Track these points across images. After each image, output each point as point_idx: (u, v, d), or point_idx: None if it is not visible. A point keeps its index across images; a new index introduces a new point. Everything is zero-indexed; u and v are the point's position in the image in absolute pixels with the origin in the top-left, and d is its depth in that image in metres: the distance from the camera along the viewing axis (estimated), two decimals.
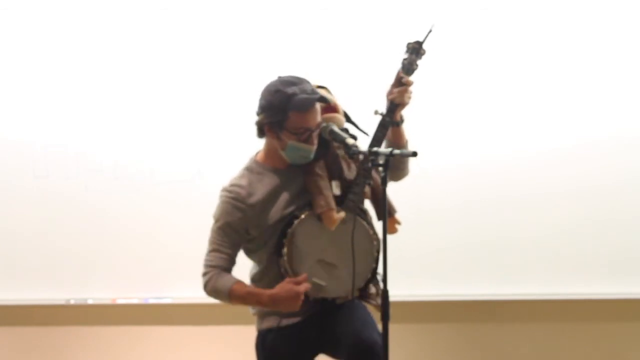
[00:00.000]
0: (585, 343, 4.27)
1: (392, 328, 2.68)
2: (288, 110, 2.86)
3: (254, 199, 2.93)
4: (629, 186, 4.09)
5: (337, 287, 2.93)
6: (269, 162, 3.00)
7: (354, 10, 4.10)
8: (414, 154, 2.76)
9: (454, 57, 4.05)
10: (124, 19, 4.13)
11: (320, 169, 2.95)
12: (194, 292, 3.98)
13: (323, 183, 2.92)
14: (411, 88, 2.94)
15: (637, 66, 4.11)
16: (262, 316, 3.04)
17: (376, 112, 2.94)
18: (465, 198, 4.09)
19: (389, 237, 2.73)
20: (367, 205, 3.03)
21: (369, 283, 2.98)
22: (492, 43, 4.10)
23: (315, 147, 2.92)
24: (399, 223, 3.00)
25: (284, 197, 2.95)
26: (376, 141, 2.91)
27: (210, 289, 2.93)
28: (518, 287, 4.11)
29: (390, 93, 2.94)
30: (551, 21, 4.10)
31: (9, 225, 4.13)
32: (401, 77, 2.93)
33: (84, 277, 4.13)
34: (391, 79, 2.96)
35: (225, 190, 2.97)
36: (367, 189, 2.97)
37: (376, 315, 2.79)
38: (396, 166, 3.01)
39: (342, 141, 2.87)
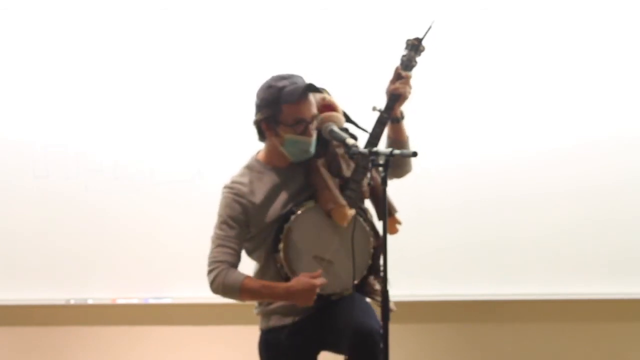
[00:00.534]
0: (585, 343, 4.27)
1: (392, 328, 2.68)
2: (280, 103, 2.88)
3: (254, 198, 2.94)
4: (629, 186, 4.09)
5: (335, 283, 2.93)
6: (270, 161, 3.01)
7: (354, 10, 4.10)
8: (414, 154, 2.76)
9: (454, 57, 4.05)
10: (124, 19, 4.13)
11: (323, 166, 2.95)
12: (194, 292, 4.02)
13: (329, 180, 2.93)
14: (411, 85, 2.95)
15: (637, 66, 4.11)
16: (264, 315, 3.05)
17: (374, 109, 2.95)
18: (465, 198, 4.09)
19: (389, 236, 2.73)
20: (368, 205, 3.03)
21: (365, 279, 2.98)
22: (492, 43, 4.10)
23: (313, 138, 2.92)
24: (399, 223, 3.00)
25: (283, 196, 2.96)
26: (374, 138, 2.92)
27: (219, 285, 2.90)
28: (518, 287, 4.11)
29: (389, 88, 2.95)
30: (551, 21, 4.10)
31: (9, 225, 4.13)
32: (400, 73, 2.94)
33: (84, 277, 4.13)
34: (390, 77, 2.97)
35: (226, 187, 2.98)
36: (367, 188, 2.97)
37: (379, 314, 2.78)
38: (398, 164, 3.02)
39: (342, 141, 2.87)
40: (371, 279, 2.99)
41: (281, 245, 2.91)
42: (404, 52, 2.97)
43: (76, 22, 4.13)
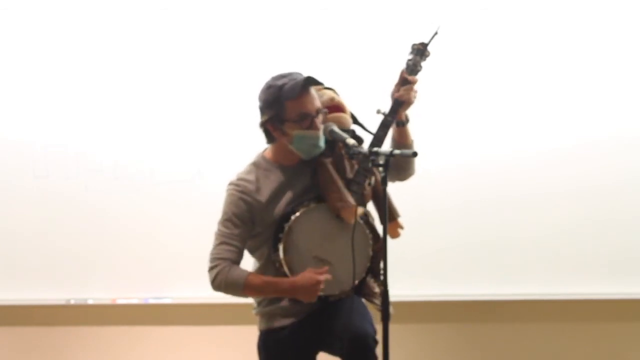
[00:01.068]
0: (585, 343, 4.27)
1: (392, 328, 2.68)
2: (282, 101, 2.87)
3: (260, 196, 2.93)
4: (629, 186, 4.09)
5: (333, 285, 2.92)
6: (277, 159, 3.00)
7: (354, 10, 4.10)
8: (414, 154, 2.76)
9: (455, 57, 4.04)
10: (124, 19, 4.13)
11: (332, 165, 2.94)
12: (194, 292, 4.02)
13: (338, 180, 2.92)
14: (416, 90, 2.95)
15: (637, 66, 4.11)
16: (264, 316, 3.04)
17: (378, 112, 2.95)
18: (465, 198, 4.09)
19: (389, 238, 2.73)
20: (370, 208, 3.02)
21: (364, 281, 2.98)
22: (492, 43, 4.10)
23: (321, 132, 2.90)
24: (401, 227, 3.00)
25: (289, 194, 2.95)
26: (377, 140, 2.91)
27: (221, 282, 2.89)
28: (518, 287, 4.11)
29: (395, 92, 2.95)
30: (551, 21, 4.10)
31: (9, 225, 4.13)
32: (405, 77, 2.94)
33: (84, 277, 4.13)
34: (393, 79, 2.97)
35: (232, 183, 2.97)
36: (369, 191, 2.97)
37: (376, 317, 2.78)
38: (401, 166, 3.02)
39: (343, 141, 2.87)
40: (370, 281, 2.99)
41: (281, 245, 2.91)
42: (410, 57, 2.95)
43: (76, 22, 4.13)
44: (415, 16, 3.96)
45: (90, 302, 4.15)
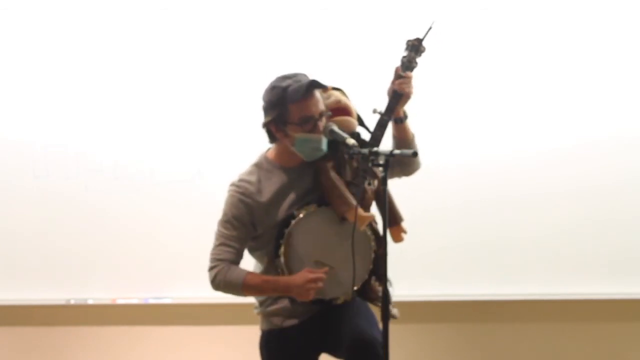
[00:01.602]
0: (585, 343, 4.27)
1: (392, 328, 2.68)
2: (286, 103, 2.86)
3: (261, 197, 2.93)
4: (629, 186, 4.09)
5: (334, 288, 2.92)
6: (279, 160, 2.99)
7: (354, 10, 4.10)
8: (414, 154, 2.76)
9: (455, 57, 4.05)
10: (124, 19, 4.13)
11: (333, 169, 2.93)
12: (194, 292, 4.02)
13: (340, 184, 2.91)
14: (412, 85, 2.93)
15: (637, 66, 4.11)
16: (266, 316, 3.04)
17: (374, 111, 2.94)
18: (465, 198, 4.09)
19: (390, 238, 2.73)
20: (374, 210, 3.01)
21: (369, 284, 2.97)
22: (492, 43, 4.10)
23: (323, 135, 2.89)
24: (404, 232, 2.99)
25: (291, 196, 2.95)
26: (375, 140, 2.90)
27: (220, 281, 2.90)
28: (518, 287, 4.11)
29: (391, 88, 2.94)
30: (551, 21, 4.10)
31: (9, 225, 4.13)
32: (400, 74, 2.93)
33: (84, 277, 4.13)
34: (391, 78, 2.97)
35: (233, 184, 2.96)
36: (371, 193, 2.96)
37: (379, 316, 2.79)
38: (405, 162, 3.01)
39: (342, 141, 2.86)
40: (375, 285, 2.97)
41: (282, 250, 2.90)
42: (404, 53, 2.95)
43: (76, 22, 4.13)
44: (415, 16, 3.95)
45: (90, 302, 4.15)
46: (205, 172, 4.09)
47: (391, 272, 2.70)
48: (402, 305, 3.04)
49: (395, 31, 3.92)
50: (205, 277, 2.95)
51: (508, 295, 4.14)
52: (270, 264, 2.96)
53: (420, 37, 2.94)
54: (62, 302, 4.15)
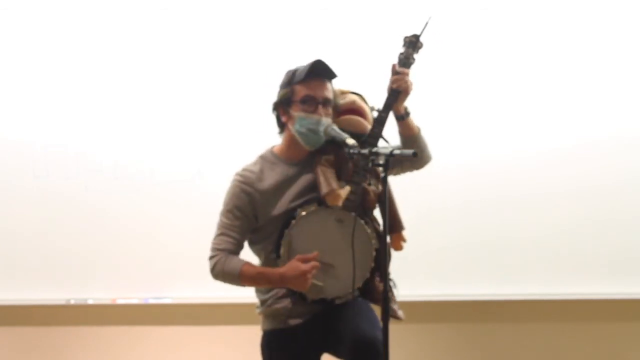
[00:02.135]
0: (585, 343, 4.27)
1: (392, 328, 2.67)
2: (293, 83, 2.94)
3: (262, 185, 2.95)
4: (629, 186, 4.09)
5: (336, 287, 2.92)
6: (284, 154, 3.02)
7: (354, 10, 4.10)
8: (414, 154, 2.75)
9: (455, 57, 4.05)
10: (124, 19, 4.13)
11: (327, 161, 2.94)
12: (194, 292, 4.02)
13: (327, 171, 2.91)
14: (411, 84, 2.93)
15: (637, 66, 4.11)
16: (267, 316, 3.05)
17: (372, 109, 2.95)
18: (465, 198, 4.09)
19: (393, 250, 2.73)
20: (377, 214, 3.01)
21: (372, 284, 2.97)
22: (492, 43, 4.10)
23: (323, 119, 2.91)
24: (404, 240, 3.00)
25: (293, 189, 2.96)
26: (373, 138, 2.90)
27: (218, 271, 2.92)
28: (518, 287, 4.11)
29: (389, 86, 2.94)
30: (551, 21, 4.10)
31: (9, 225, 4.13)
32: (397, 71, 2.93)
33: (84, 277, 4.13)
34: (389, 76, 2.97)
35: (236, 174, 3.00)
36: (373, 195, 2.96)
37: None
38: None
39: (342, 140, 2.86)
40: (379, 286, 2.96)
41: (282, 250, 2.91)
42: (402, 50, 2.96)
43: (76, 22, 4.13)
44: (416, 16, 3.94)
45: (90, 302, 4.15)
46: (205, 172, 4.09)
47: (392, 272, 2.70)
48: (402, 305, 3.04)
49: (396, 31, 3.91)
50: (205, 277, 2.96)
51: (508, 295, 4.14)
52: (267, 261, 2.97)
53: (417, 33, 2.94)
54: (62, 302, 4.15)
